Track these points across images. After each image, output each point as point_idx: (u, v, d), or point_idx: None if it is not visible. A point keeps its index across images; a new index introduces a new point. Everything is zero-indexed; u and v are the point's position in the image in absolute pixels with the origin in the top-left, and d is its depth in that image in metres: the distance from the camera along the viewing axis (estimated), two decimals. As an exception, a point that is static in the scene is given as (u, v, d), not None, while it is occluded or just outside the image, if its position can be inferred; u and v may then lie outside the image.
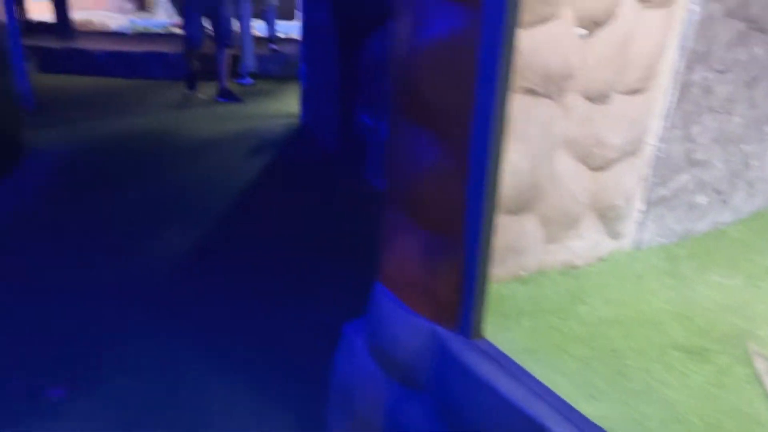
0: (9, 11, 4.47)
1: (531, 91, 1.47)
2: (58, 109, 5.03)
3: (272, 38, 6.64)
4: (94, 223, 3.15)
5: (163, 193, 3.58)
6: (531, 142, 1.52)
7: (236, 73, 6.11)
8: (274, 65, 6.53)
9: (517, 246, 1.65)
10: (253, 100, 5.57)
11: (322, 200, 3.59)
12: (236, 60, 6.05)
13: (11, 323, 2.33)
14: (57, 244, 2.91)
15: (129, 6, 9.72)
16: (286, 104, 5.44)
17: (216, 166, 4.03)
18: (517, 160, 1.49)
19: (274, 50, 6.60)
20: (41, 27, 6.92)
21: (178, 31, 8.26)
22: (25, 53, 4.85)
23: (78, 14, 7.56)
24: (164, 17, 9.06)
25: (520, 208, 1.60)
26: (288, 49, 6.74)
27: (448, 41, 1.21)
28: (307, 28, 4.59)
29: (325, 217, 3.34)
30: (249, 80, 6.17)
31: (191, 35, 5.22)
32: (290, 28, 8.45)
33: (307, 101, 4.79)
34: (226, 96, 5.47)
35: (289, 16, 8.52)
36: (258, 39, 6.50)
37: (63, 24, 6.87)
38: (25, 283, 2.60)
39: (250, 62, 6.11)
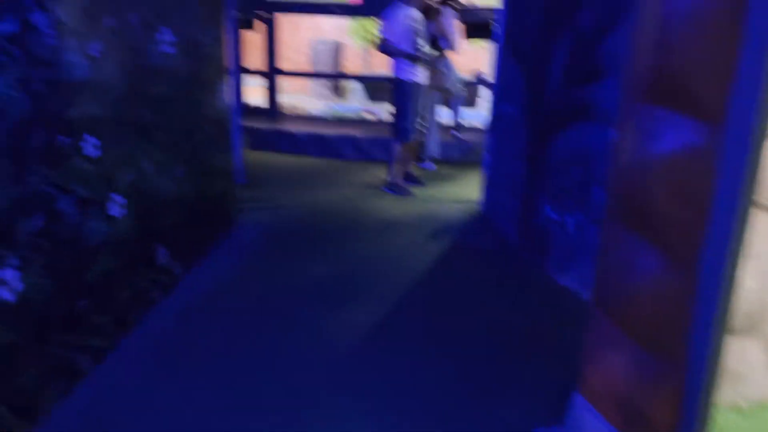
0: (236, 97, 5.14)
1: (764, 207, 1.37)
2: (263, 184, 5.60)
3: (456, 126, 6.90)
4: (284, 297, 3.39)
5: (348, 268, 3.79)
6: (762, 259, 1.40)
7: (419, 158, 6.40)
8: (456, 151, 6.75)
9: (737, 372, 1.50)
10: (434, 185, 5.77)
11: (501, 291, 3.55)
12: (420, 145, 6.35)
13: (200, 386, 2.55)
14: (248, 318, 3.16)
15: (327, 93, 10.74)
16: (466, 191, 5.56)
17: (397, 246, 4.19)
18: (745, 278, 1.38)
19: (457, 137, 6.83)
20: (254, 110, 7.83)
21: (368, 116, 8.93)
22: (241, 133, 5.51)
23: (284, 99, 8.48)
24: (357, 103, 9.86)
25: (744, 329, 1.46)
26: (469, 137, 6.95)
27: (682, 155, 1.18)
28: (494, 118, 4.72)
29: (505, 310, 3.29)
30: (431, 165, 6.42)
31: (407, 128, 5.29)
32: (472, 116, 8.73)
33: (488, 189, 4.86)
34: (412, 180, 5.71)
35: (470, 104, 8.84)
36: (442, 125, 6.79)
37: (273, 108, 7.73)
38: (216, 350, 2.86)
39: (433, 148, 6.38)
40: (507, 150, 4.43)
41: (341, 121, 8.01)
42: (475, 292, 3.53)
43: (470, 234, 4.52)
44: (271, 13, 7.37)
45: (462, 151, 6.73)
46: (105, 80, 2.62)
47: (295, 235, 4.36)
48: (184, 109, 3.45)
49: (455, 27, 6.27)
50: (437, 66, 6.09)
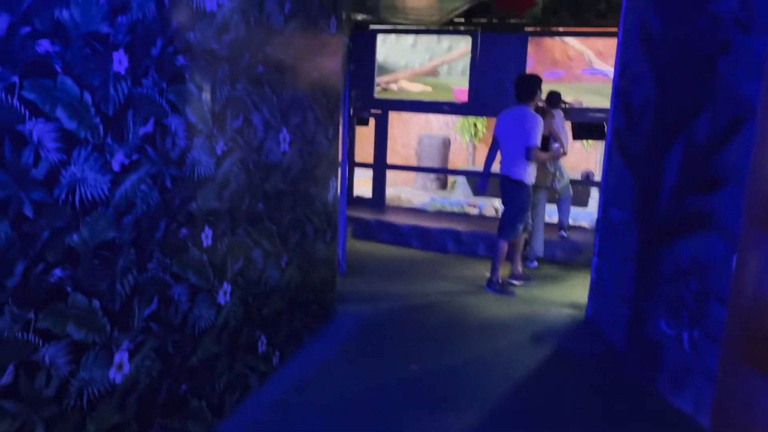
0: (344, 188, 5.35)
1: None
2: (364, 274, 5.68)
3: (563, 225, 6.73)
4: (379, 395, 3.35)
5: (446, 369, 3.69)
6: None
7: (523, 256, 6.28)
8: (561, 251, 6.55)
9: None
10: (538, 285, 5.60)
11: (607, 409, 3.30)
12: (526, 244, 6.24)
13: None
14: (342, 415, 3.13)
15: (432, 185, 10.94)
16: (572, 293, 5.34)
17: (499, 348, 4.06)
18: None
19: (563, 237, 6.65)
20: (360, 200, 8.08)
21: (472, 210, 8.95)
22: (346, 223, 5.68)
23: (390, 190, 8.69)
24: (461, 197, 9.94)
25: None
26: (576, 237, 6.75)
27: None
28: (603, 221, 4.57)
29: (611, 429, 3.05)
30: (534, 264, 6.26)
31: (517, 227, 5.26)
32: (580, 215, 8.52)
33: (595, 294, 4.65)
34: (521, 278, 5.61)
35: (582, 203, 8.63)
36: (548, 224, 6.66)
37: (378, 199, 7.94)
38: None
39: (538, 247, 6.24)
40: (616, 254, 4.25)
41: (444, 214, 8.07)
42: (579, 406, 3.31)
43: (575, 340, 4.29)
44: (383, 111, 7.72)
45: (568, 252, 6.52)
46: (225, 176, 2.81)
47: (393, 329, 4.34)
48: (296, 202, 3.62)
49: (565, 128, 6.26)
50: (547, 165, 6.06)
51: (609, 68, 8.32)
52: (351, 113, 6.92)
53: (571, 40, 8.79)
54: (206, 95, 2.60)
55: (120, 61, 2.06)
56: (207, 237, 2.71)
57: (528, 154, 5.04)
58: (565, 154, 5.80)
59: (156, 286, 2.36)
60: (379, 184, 7.98)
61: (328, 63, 3.96)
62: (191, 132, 2.51)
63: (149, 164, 2.25)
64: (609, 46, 9.67)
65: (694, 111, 3.31)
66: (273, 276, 3.39)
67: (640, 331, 3.80)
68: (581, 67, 8.96)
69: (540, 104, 5.88)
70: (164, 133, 2.33)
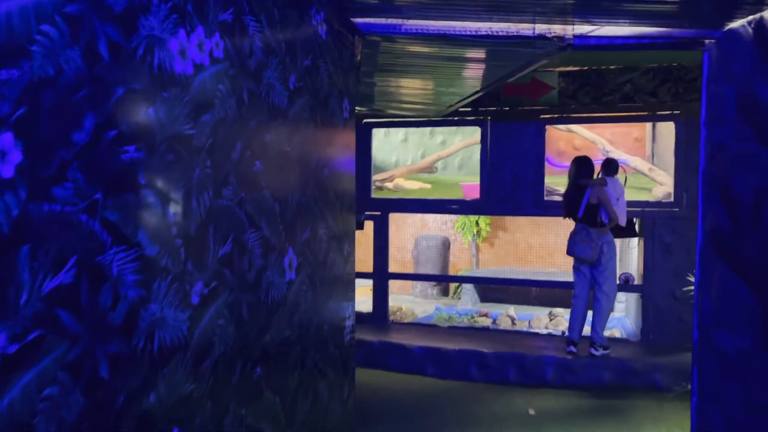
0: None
1: None
2: (378, 421, 4.47)
3: (600, 342, 5.56)
4: None
5: None
6: None
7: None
8: (609, 372, 5.41)
9: None
10: (602, 425, 4.42)
11: None
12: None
13: None
14: None
15: (433, 291, 9.84)
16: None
17: None
18: None
19: (595, 356, 5.47)
20: (359, 317, 6.93)
21: (484, 320, 7.84)
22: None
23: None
24: (468, 304, 8.82)
25: None
26: (620, 351, 5.66)
27: None
28: (704, 349, 3.50)
29: None
30: (571, 348, 5.20)
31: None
32: (608, 323, 7.46)
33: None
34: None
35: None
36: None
37: (380, 314, 6.82)
38: None
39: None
40: (737, 397, 3.16)
41: (458, 329, 6.90)
42: None
43: None
44: (383, 213, 6.78)
45: (618, 373, 5.38)
46: (206, 337, 1.72)
47: None
48: (305, 352, 2.51)
49: (623, 198, 5.40)
50: (592, 236, 5.29)
51: (625, 156, 7.62)
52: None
53: (579, 129, 8.09)
54: (174, 208, 1.56)
55: (2, 155, 1.03)
56: (176, 449, 1.58)
57: None
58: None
59: None
60: (380, 296, 6.88)
61: (342, 157, 2.99)
62: (148, 272, 1.45)
63: (65, 343, 1.17)
64: (619, 134, 9.02)
65: None
66: (278, 476, 2.23)
67: None
68: (592, 156, 8.22)
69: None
70: (96, 281, 1.27)
